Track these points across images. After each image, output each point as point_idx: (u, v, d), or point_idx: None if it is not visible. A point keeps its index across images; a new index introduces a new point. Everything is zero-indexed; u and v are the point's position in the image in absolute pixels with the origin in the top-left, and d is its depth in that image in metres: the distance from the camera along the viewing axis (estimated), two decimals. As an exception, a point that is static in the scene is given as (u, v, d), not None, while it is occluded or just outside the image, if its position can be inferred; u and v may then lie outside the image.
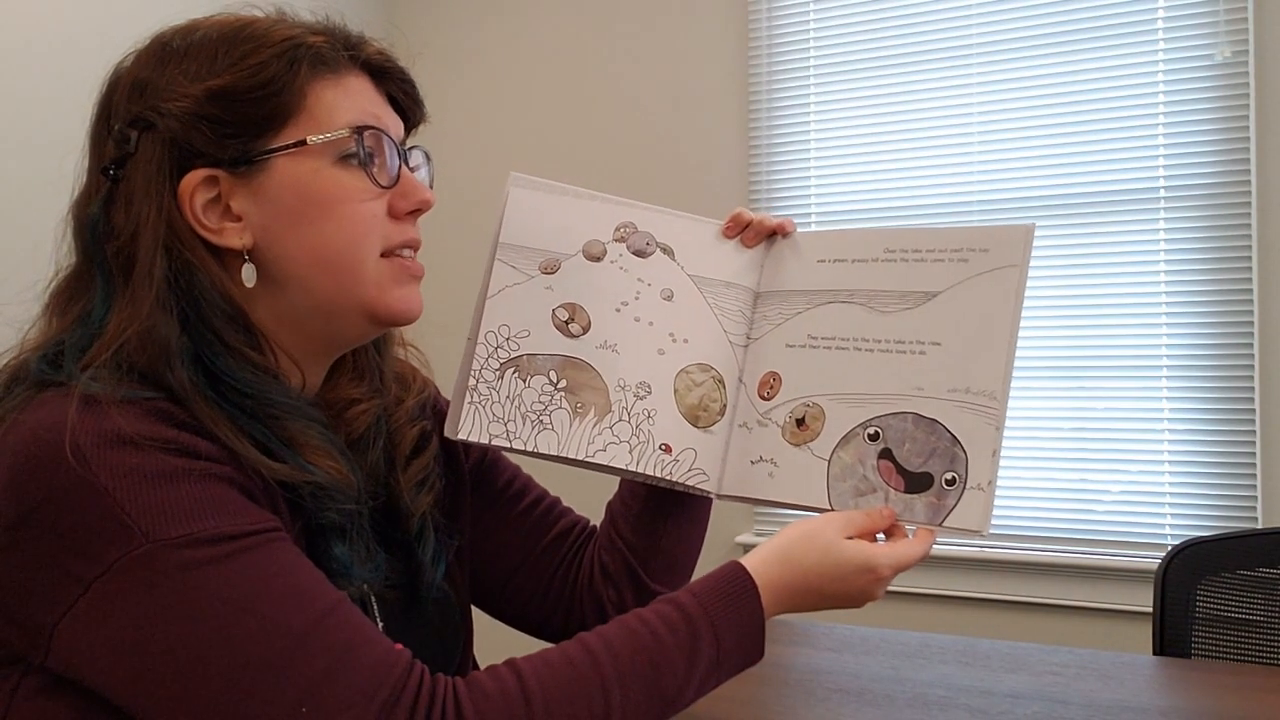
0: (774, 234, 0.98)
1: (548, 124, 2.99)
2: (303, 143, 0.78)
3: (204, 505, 0.68)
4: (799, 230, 0.98)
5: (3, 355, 0.79)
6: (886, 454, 0.88)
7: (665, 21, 2.85)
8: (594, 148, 2.92)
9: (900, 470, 0.87)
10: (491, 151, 2.98)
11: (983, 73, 2.52)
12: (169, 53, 0.79)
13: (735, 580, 0.80)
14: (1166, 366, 2.36)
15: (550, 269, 0.95)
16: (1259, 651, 1.54)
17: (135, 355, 0.73)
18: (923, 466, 0.86)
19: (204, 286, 0.76)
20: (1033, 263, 0.87)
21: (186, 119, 0.77)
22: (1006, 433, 0.85)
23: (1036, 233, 0.88)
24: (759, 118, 2.73)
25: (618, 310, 0.95)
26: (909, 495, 0.86)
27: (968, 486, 0.84)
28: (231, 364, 0.76)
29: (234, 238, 0.78)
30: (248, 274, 0.78)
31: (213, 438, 0.72)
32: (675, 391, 0.94)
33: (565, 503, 1.07)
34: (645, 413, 0.92)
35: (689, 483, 0.92)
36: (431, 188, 0.87)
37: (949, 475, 0.85)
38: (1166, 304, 2.36)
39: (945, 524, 0.84)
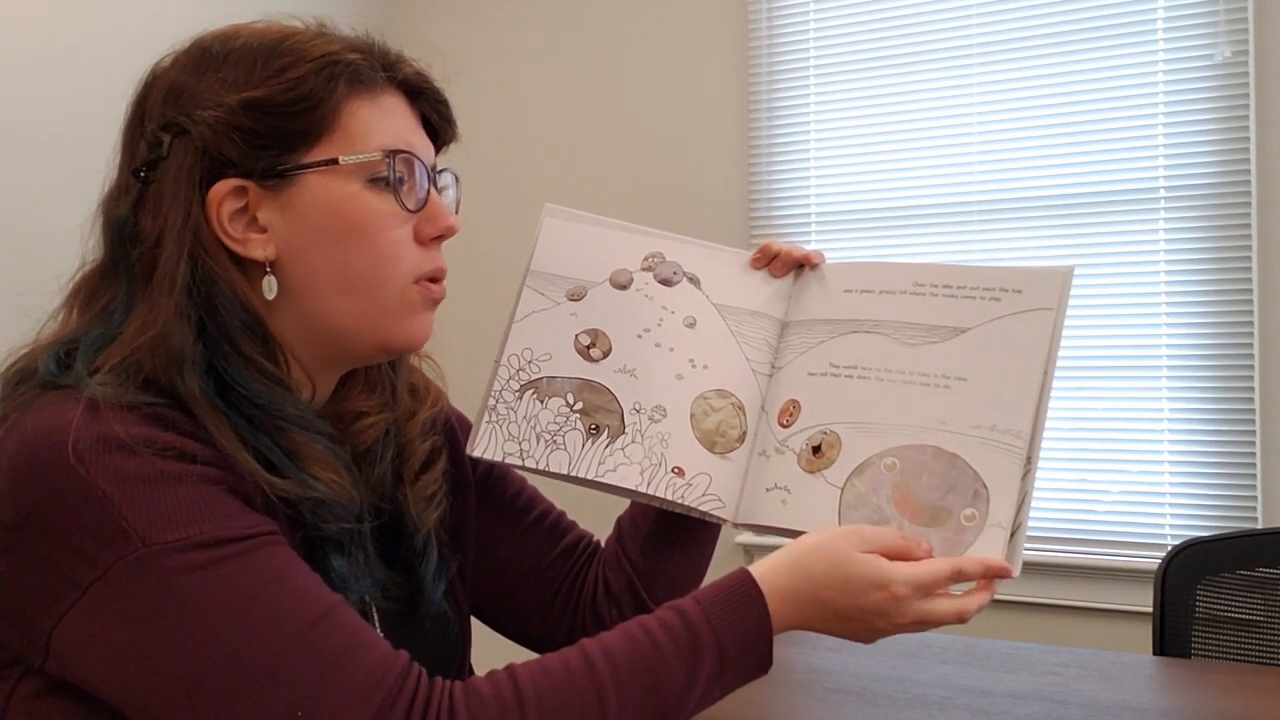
0: (802, 265, 0.97)
1: (546, 124, 2.98)
2: (334, 161, 0.78)
3: (199, 509, 0.68)
4: (828, 261, 0.98)
5: (16, 350, 0.78)
6: (902, 485, 0.85)
7: (665, 22, 2.85)
8: (593, 148, 2.92)
9: (916, 502, 0.84)
10: (489, 152, 2.97)
11: (983, 73, 2.51)
12: (208, 59, 0.79)
13: (740, 587, 0.78)
14: (1166, 366, 2.36)
15: (577, 296, 0.96)
16: (1259, 651, 1.54)
17: (146, 361, 0.72)
18: (940, 500, 0.83)
19: (224, 295, 0.76)
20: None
21: (220, 127, 0.76)
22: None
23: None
24: (759, 118, 2.73)
25: (639, 336, 0.95)
26: (924, 528, 0.83)
27: (988, 524, 0.81)
28: (244, 374, 0.76)
29: (257, 249, 0.78)
30: (268, 286, 0.78)
31: (211, 444, 0.71)
32: (691, 416, 0.93)
33: (572, 518, 1.07)
34: (659, 436, 0.92)
35: (702, 508, 0.91)
36: (459, 209, 0.88)
37: (968, 511, 0.82)
38: (1166, 304, 2.35)
39: None
